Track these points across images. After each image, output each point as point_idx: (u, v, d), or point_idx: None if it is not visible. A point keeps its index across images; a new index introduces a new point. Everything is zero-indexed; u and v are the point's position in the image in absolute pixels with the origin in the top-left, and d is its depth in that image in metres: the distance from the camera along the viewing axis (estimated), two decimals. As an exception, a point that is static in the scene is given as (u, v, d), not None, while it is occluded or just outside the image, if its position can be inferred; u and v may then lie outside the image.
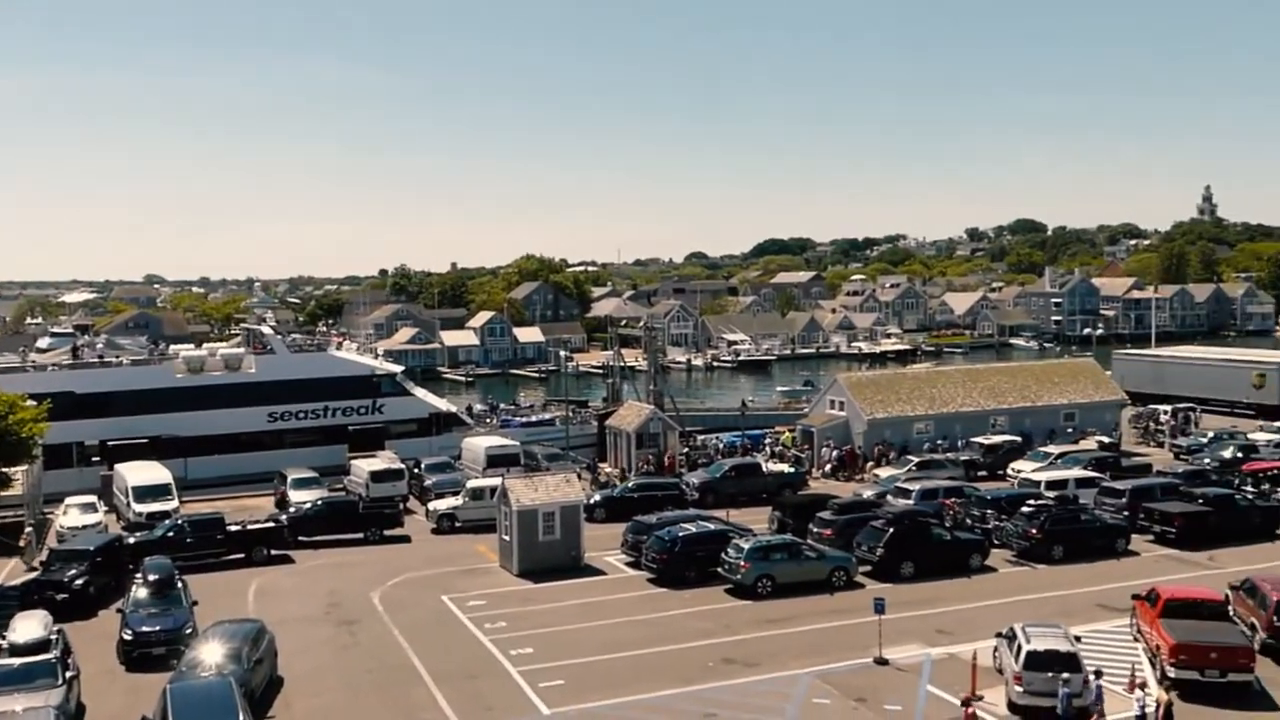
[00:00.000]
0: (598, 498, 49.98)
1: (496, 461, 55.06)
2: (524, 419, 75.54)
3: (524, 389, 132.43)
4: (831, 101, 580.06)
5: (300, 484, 51.40)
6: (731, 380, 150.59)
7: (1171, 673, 26.49)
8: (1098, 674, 25.04)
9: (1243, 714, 25.18)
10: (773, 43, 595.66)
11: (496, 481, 44.07)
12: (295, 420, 64.39)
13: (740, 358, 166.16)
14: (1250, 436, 62.44)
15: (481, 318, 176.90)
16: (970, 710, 24.62)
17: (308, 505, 46.76)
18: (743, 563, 36.18)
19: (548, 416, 76.63)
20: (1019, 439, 61.12)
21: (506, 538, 40.35)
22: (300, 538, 44.21)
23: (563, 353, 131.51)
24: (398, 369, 72.17)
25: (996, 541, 41.35)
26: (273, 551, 42.19)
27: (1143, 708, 23.72)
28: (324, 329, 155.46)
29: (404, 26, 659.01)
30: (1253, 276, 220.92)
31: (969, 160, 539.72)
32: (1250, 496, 45.64)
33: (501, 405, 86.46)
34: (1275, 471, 51.38)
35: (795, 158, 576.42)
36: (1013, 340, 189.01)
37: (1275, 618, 28.87)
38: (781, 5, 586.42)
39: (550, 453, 61.35)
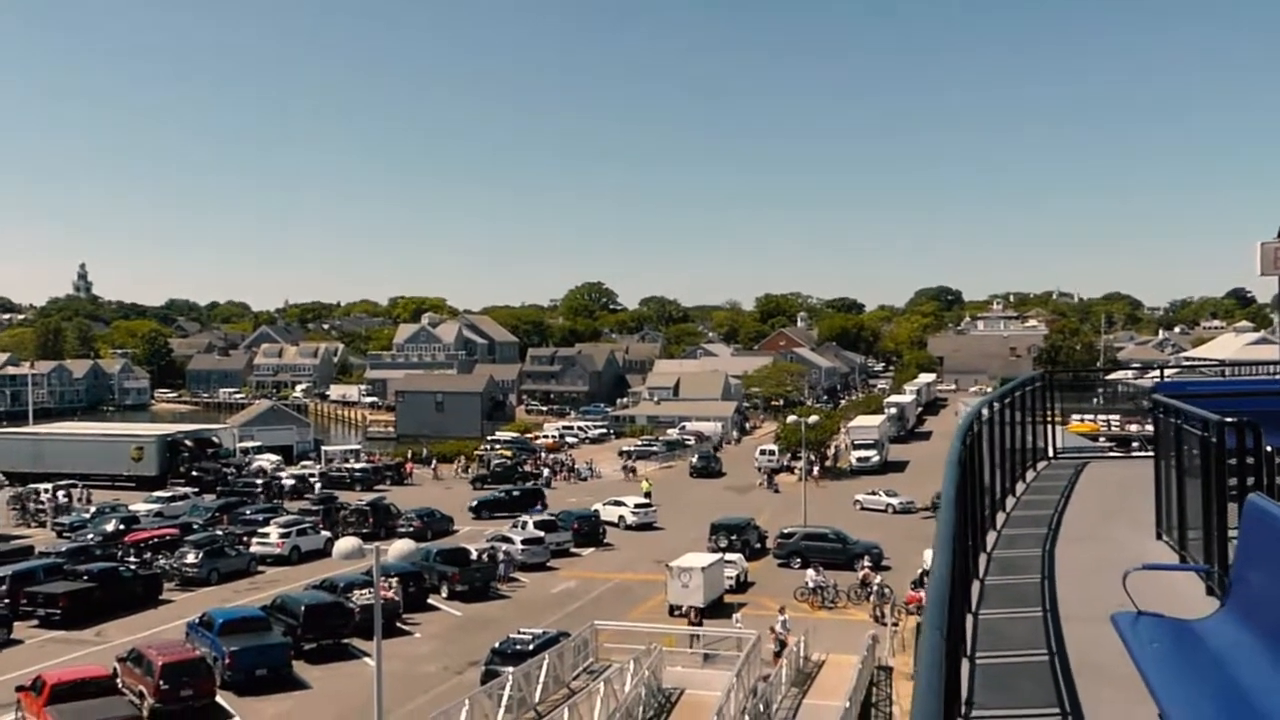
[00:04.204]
0: None
1: None
2: None
3: None
4: None
5: None
6: None
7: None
8: None
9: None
10: None
11: None
12: None
13: None
14: (132, 508, 64.28)
15: None
16: None
17: None
18: None
19: None
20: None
21: None
22: None
23: None
24: None
25: None
26: None
27: None
28: None
29: None
30: (129, 353, 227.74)
31: None
32: (134, 567, 46.96)
33: None
34: (156, 540, 53.53)
35: None
36: None
37: (161, 682, 29.98)
38: None
39: None
